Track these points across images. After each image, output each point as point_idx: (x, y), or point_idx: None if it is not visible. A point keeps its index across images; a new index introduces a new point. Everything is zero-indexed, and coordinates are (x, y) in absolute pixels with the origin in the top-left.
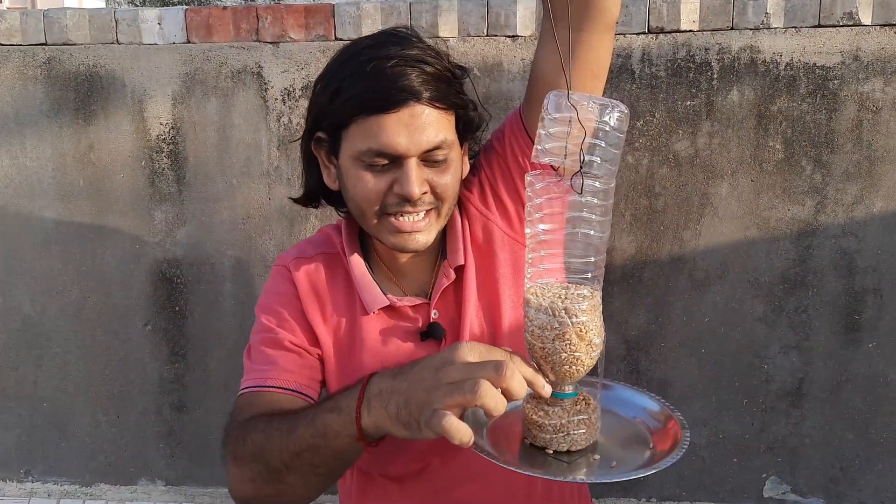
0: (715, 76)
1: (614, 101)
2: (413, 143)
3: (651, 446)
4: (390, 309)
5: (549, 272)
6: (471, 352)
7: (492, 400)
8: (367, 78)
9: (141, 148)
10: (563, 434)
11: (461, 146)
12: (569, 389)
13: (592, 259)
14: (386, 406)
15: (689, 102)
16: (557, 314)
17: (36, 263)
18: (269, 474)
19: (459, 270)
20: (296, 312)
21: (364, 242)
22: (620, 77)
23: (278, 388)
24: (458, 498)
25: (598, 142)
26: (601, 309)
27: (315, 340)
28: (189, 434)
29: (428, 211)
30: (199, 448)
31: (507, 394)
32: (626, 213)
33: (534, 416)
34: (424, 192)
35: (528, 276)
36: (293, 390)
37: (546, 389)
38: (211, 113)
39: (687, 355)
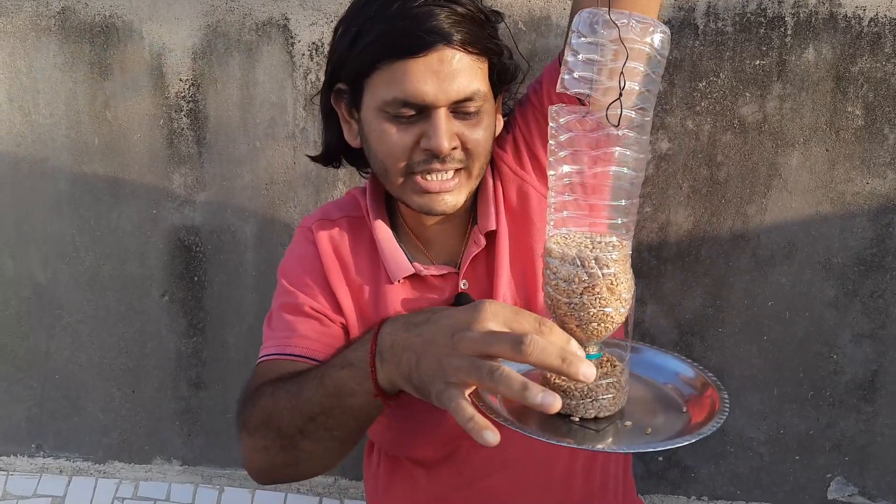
0: (789, 32)
1: (655, 20)
2: (442, 92)
3: (685, 411)
4: (416, 278)
5: (574, 219)
6: (494, 317)
7: (508, 387)
8: (391, 19)
9: (159, 106)
10: (590, 399)
11: (494, 99)
12: (593, 350)
13: (623, 203)
14: (398, 363)
15: (758, 62)
16: (587, 264)
17: (48, 227)
18: (282, 441)
19: (491, 237)
20: (317, 276)
21: (390, 206)
22: (682, 33)
23: (297, 356)
24: (489, 486)
25: (636, 65)
26: (630, 261)
27: (338, 308)
28: (207, 412)
29: (457, 170)
30: (217, 427)
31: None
32: (684, 184)
33: (556, 381)
34: (454, 148)
35: (551, 223)
36: (313, 359)
37: (584, 369)
38: (234, 69)
39: (747, 342)
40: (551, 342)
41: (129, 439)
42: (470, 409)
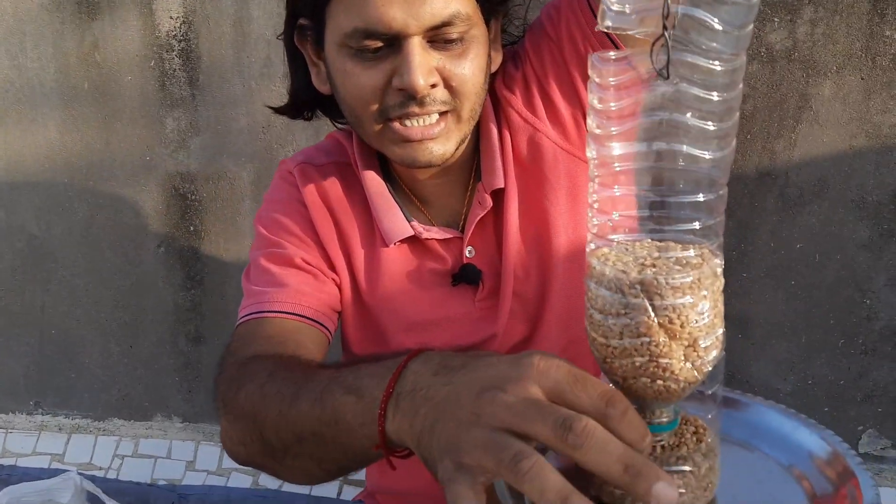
0: None
1: None
2: (412, 17)
3: None
4: (415, 242)
5: (627, 224)
6: (542, 377)
7: (539, 491)
8: None
9: (149, 46)
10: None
11: (487, 24)
12: (662, 418)
13: (702, 198)
14: (412, 416)
15: None
16: (627, 291)
17: (40, 176)
18: (263, 447)
19: (498, 196)
20: (306, 226)
21: (381, 154)
22: None
23: (288, 312)
24: None
25: None
26: (721, 285)
27: (331, 265)
28: (207, 367)
29: (443, 113)
30: None
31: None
32: None
33: None
34: (434, 85)
35: (593, 229)
36: (307, 317)
37: (660, 490)
38: (226, 4)
39: (773, 287)
40: (620, 435)
41: (128, 395)
42: None
